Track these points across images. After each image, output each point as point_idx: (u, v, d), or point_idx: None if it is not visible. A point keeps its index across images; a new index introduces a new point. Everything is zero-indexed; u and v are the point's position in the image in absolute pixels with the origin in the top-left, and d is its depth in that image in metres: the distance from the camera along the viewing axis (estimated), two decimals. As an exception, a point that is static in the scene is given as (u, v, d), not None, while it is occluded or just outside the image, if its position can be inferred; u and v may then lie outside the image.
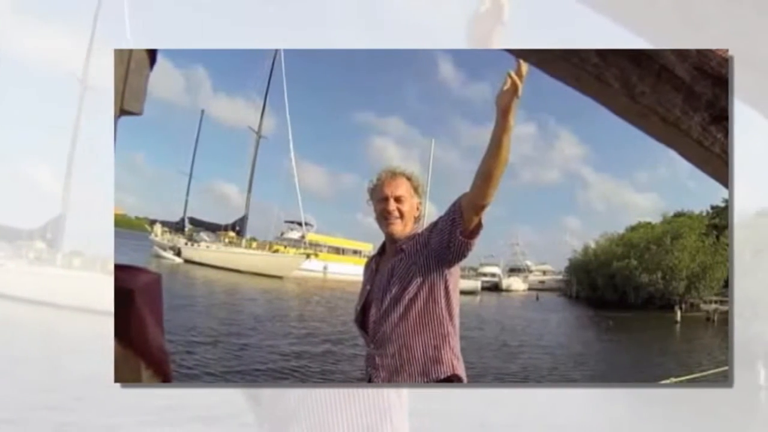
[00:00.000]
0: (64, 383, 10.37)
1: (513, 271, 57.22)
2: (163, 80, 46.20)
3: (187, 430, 8.17)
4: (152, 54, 1.92)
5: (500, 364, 15.61)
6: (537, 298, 46.36)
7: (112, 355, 1.54)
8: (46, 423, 8.06)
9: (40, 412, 8.54)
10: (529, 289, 53.15)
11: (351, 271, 34.17)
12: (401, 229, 2.86)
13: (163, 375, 1.61)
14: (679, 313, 34.25)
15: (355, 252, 46.23)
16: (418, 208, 2.94)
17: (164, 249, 40.65)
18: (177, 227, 43.96)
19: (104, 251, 20.75)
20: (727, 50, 1.77)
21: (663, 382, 11.06)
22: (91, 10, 23.73)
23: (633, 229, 46.78)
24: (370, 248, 39.84)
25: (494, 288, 51.22)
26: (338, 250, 47.09)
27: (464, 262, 2.83)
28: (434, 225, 2.72)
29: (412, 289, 2.72)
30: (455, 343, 2.79)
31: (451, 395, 9.00)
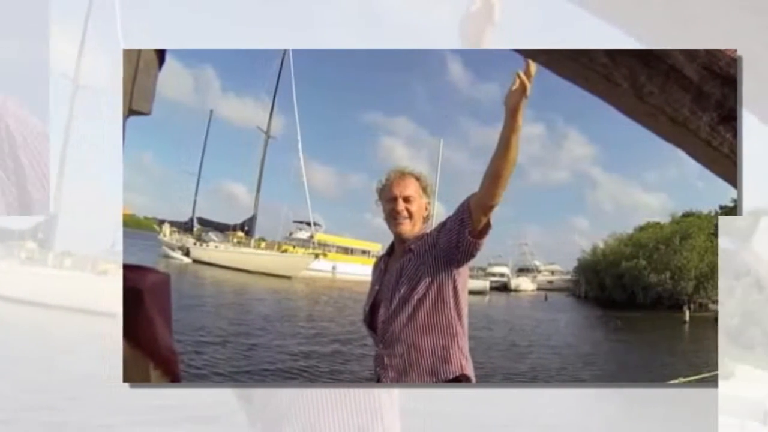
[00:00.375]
0: (56, 383, 10.35)
1: (522, 271, 57.04)
2: (171, 80, 46.19)
3: (181, 430, 8.15)
4: (161, 54, 1.93)
5: (509, 364, 15.56)
6: (545, 298, 46.17)
7: (104, 354, 1.56)
8: (37, 423, 8.03)
9: (32, 412, 8.52)
10: (538, 289, 52.97)
11: (360, 271, 34.08)
12: (410, 229, 2.86)
13: (172, 375, 1.61)
14: (687, 313, 34.14)
15: (363, 252, 46.17)
16: (426, 208, 2.94)
17: (173, 249, 40.60)
18: (185, 227, 43.92)
19: (95, 252, 20.74)
20: (735, 50, 1.76)
21: (671, 381, 11.03)
22: (83, 9, 23.60)
23: (642, 229, 46.66)
24: (378, 248, 39.78)
25: (503, 288, 51.09)
26: (347, 250, 47.03)
27: (473, 262, 2.83)
28: (443, 225, 2.73)
29: (420, 289, 2.72)
30: (464, 343, 2.79)
31: (455, 395, 8.98)
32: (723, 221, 2.78)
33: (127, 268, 1.61)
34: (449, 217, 2.70)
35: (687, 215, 44.18)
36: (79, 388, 9.60)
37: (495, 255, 53.96)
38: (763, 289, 2.69)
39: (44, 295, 18.15)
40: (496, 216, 2.61)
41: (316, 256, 38.43)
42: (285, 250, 41.34)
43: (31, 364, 12.03)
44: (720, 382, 2.39)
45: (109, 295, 14.39)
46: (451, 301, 2.74)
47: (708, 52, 1.76)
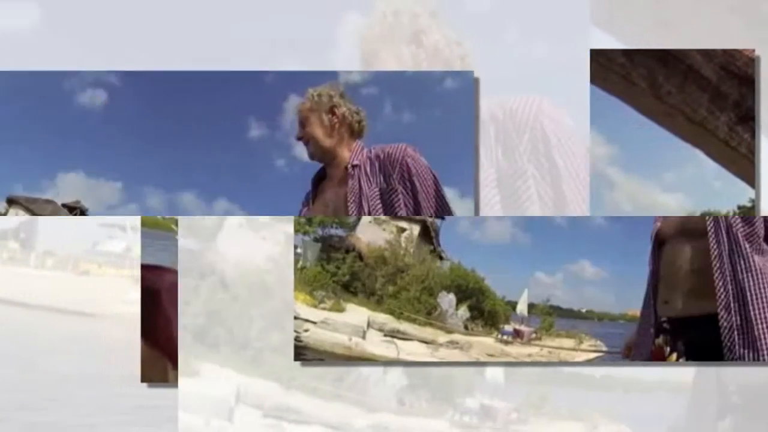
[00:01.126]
0: (36, 383, 10.25)
1: (539, 271, 56.99)
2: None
3: (163, 431, 8.05)
4: None
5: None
6: (563, 298, 46.13)
7: (85, 354, 1.55)
8: (18, 423, 7.95)
9: (12, 412, 8.42)
10: (556, 288, 52.94)
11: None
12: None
13: (189, 375, 1.61)
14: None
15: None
16: (442, 209, 2.94)
17: (190, 249, 40.66)
18: (203, 227, 44.04)
19: (77, 252, 20.75)
20: (753, 50, 1.75)
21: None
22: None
23: (658, 228, 46.51)
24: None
25: (521, 287, 51.07)
26: (363, 250, 47.09)
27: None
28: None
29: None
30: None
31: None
32: (183, 221, 2.79)
33: (145, 268, 1.61)
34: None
35: (704, 215, 44.00)
36: (59, 387, 9.50)
37: (513, 255, 53.87)
38: (227, 289, 2.70)
39: (26, 294, 18.16)
40: (513, 216, 2.61)
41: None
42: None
43: (12, 363, 11.96)
44: (182, 380, 2.39)
45: (89, 295, 14.38)
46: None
47: (725, 52, 1.75)
